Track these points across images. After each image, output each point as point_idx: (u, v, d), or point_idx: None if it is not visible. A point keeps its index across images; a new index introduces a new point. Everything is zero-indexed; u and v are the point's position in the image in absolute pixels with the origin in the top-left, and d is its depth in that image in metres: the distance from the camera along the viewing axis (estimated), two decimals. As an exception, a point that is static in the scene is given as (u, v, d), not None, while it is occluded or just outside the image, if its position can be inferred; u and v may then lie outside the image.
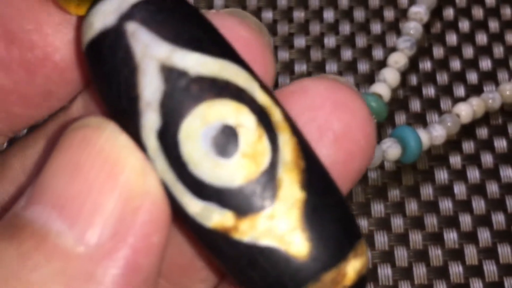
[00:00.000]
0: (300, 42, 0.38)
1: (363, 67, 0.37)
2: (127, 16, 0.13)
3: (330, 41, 0.38)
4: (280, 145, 0.12)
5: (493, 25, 0.39)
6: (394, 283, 0.32)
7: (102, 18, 0.13)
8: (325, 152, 0.14)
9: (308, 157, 0.13)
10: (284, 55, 0.38)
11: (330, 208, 0.13)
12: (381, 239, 0.33)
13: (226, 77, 0.12)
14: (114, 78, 0.13)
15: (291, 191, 0.12)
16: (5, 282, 0.12)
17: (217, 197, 0.12)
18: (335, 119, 0.14)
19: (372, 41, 0.38)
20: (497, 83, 0.37)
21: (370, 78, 0.37)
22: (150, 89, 0.12)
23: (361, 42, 0.38)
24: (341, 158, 0.14)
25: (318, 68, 0.37)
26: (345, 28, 0.39)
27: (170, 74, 0.12)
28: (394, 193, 0.34)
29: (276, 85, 0.37)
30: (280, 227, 0.12)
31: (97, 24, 0.13)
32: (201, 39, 0.12)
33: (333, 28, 0.39)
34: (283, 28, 0.39)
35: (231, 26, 0.14)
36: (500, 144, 0.35)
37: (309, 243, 0.12)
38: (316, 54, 0.38)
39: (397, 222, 0.33)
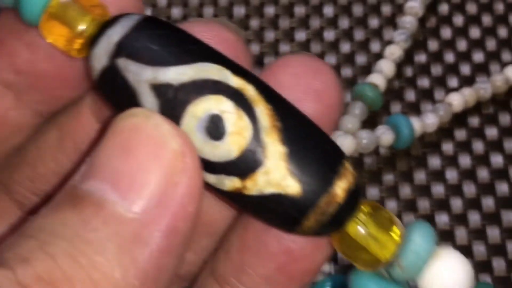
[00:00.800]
0: (300, 36, 0.40)
1: (360, 59, 0.39)
2: (115, 54, 0.16)
3: (329, 35, 0.40)
4: (258, 116, 0.16)
5: (486, 19, 0.41)
6: (387, 262, 0.34)
7: (98, 61, 0.16)
8: (311, 106, 0.17)
9: (284, 118, 0.16)
10: (285, 48, 0.40)
11: (309, 152, 0.16)
12: (376, 221, 0.35)
13: (202, 76, 0.16)
14: (121, 103, 0.16)
15: (275, 148, 0.16)
16: (71, 241, 0.14)
17: (223, 169, 0.16)
18: (315, 81, 0.17)
19: (370, 35, 0.40)
20: (489, 75, 0.39)
21: (367, 70, 0.39)
22: (149, 105, 0.16)
23: (359, 36, 0.40)
24: (322, 110, 0.17)
25: (318, 61, 0.39)
26: (344, 22, 0.41)
27: (160, 90, 0.16)
28: (388, 178, 0.36)
29: (277, 76, 0.39)
30: (275, 177, 0.15)
31: (96, 66, 0.16)
32: (176, 54, 0.16)
33: (333, 22, 0.41)
34: (284, 23, 0.40)
35: (219, 31, 0.18)
36: (491, 132, 0.37)
37: (300, 183, 0.16)
38: (316, 47, 0.40)
39: (391, 205, 0.35)
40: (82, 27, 0.16)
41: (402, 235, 0.16)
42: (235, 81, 0.16)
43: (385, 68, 0.37)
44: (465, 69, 0.39)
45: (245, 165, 0.16)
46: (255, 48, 0.40)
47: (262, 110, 0.16)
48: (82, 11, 0.16)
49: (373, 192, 0.35)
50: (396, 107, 0.38)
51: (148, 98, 0.16)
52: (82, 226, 0.14)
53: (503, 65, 0.39)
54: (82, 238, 0.14)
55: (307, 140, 0.16)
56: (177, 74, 0.16)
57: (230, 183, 0.16)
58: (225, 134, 0.15)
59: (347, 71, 0.39)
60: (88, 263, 0.14)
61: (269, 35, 0.40)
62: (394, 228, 0.16)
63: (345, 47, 0.40)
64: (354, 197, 0.16)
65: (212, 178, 0.16)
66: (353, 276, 0.17)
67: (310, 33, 0.40)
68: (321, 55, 0.39)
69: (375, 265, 0.17)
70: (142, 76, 0.16)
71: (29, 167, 0.19)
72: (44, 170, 0.19)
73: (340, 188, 0.16)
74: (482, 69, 0.39)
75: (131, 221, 0.14)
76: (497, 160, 0.36)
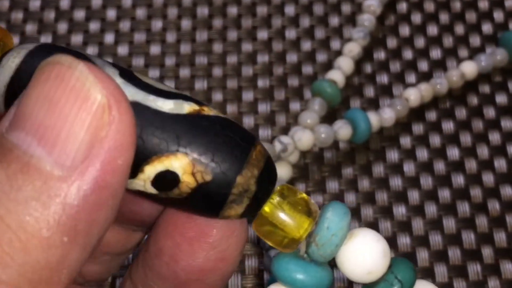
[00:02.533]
0: (263, 35, 0.41)
1: (321, 57, 0.40)
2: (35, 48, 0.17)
3: (291, 33, 0.41)
4: None
5: (444, 17, 0.42)
6: (346, 253, 0.35)
7: (21, 53, 0.17)
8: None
9: None
10: (247, 47, 0.40)
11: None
12: (335, 213, 0.36)
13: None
14: None
15: None
16: None
17: (181, 96, 0.17)
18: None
19: (330, 33, 0.41)
20: (446, 71, 0.40)
21: (328, 67, 0.40)
22: (101, 60, 0.17)
23: (320, 34, 0.41)
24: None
25: (279, 59, 0.40)
26: (305, 21, 0.41)
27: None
28: (348, 171, 0.37)
29: (239, 74, 0.40)
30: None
31: (17, 59, 0.17)
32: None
33: (294, 21, 0.41)
34: (247, 22, 0.41)
35: None
36: (447, 126, 0.38)
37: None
38: (277, 46, 0.41)
39: (351, 198, 0.36)
40: None
41: (316, 214, 0.17)
42: None
43: (344, 65, 0.38)
44: (423, 65, 0.40)
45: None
46: (219, 47, 0.41)
47: None
48: None
49: (332, 185, 0.36)
50: (355, 103, 0.39)
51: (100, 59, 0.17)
52: (9, 184, 0.14)
53: (460, 61, 0.40)
54: (8, 196, 0.14)
55: None
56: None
57: (189, 106, 0.17)
58: None
59: (308, 69, 0.40)
60: (16, 223, 0.14)
61: (232, 35, 0.41)
62: (310, 208, 0.17)
63: (306, 45, 0.41)
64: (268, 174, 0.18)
65: (169, 104, 0.17)
66: (274, 259, 0.18)
67: (272, 32, 0.41)
68: (282, 53, 0.40)
69: (292, 245, 0.17)
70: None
71: None
72: None
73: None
74: (439, 65, 0.40)
75: (57, 178, 0.14)
76: (453, 153, 0.37)
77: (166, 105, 0.17)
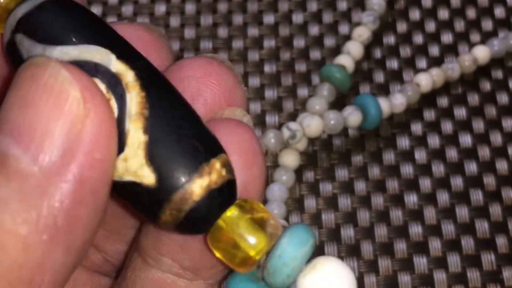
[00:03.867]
0: (269, 19, 0.40)
1: (329, 41, 0.39)
2: (15, 30, 0.16)
3: (298, 17, 0.40)
4: (127, 102, 0.15)
5: (455, 1, 0.41)
6: (356, 242, 0.34)
7: (5, 34, 0.17)
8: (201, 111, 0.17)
9: (155, 107, 0.15)
10: (253, 31, 0.39)
11: (171, 144, 0.15)
12: (345, 202, 0.35)
13: (84, 58, 0.16)
14: None
15: (136, 136, 0.15)
16: None
17: None
18: (204, 87, 0.17)
19: (338, 17, 0.40)
20: (458, 56, 0.39)
21: (336, 52, 0.39)
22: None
23: (328, 18, 0.40)
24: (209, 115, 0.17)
25: (286, 44, 0.39)
26: (313, 5, 0.40)
27: None
28: (357, 159, 0.36)
29: (245, 59, 0.39)
30: (133, 165, 0.15)
31: (4, 39, 0.17)
32: (65, 35, 0.16)
33: (301, 5, 0.40)
34: (252, 6, 0.40)
35: (140, 31, 0.18)
36: (460, 112, 0.37)
37: (155, 174, 0.15)
38: (284, 30, 0.40)
39: (361, 186, 0.35)
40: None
41: (273, 237, 0.16)
42: (117, 66, 0.16)
43: (353, 50, 0.37)
44: (434, 50, 0.39)
45: None
46: (224, 31, 0.39)
47: (134, 97, 0.15)
48: None
49: (342, 173, 0.35)
50: (365, 88, 0.38)
51: None
52: None
53: (472, 45, 0.39)
54: None
55: (172, 132, 0.15)
56: (61, 53, 0.16)
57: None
58: None
59: (316, 53, 0.39)
60: None
61: (238, 19, 0.40)
62: (268, 228, 0.16)
63: (314, 30, 0.40)
64: (218, 196, 0.16)
65: None
66: (229, 278, 0.17)
67: (278, 16, 0.40)
68: (290, 38, 0.39)
69: (245, 264, 0.16)
70: (32, 52, 0.16)
71: None
72: None
73: (199, 186, 0.15)
74: (451, 49, 0.39)
75: (34, 175, 0.14)
76: (466, 140, 0.36)
77: None
